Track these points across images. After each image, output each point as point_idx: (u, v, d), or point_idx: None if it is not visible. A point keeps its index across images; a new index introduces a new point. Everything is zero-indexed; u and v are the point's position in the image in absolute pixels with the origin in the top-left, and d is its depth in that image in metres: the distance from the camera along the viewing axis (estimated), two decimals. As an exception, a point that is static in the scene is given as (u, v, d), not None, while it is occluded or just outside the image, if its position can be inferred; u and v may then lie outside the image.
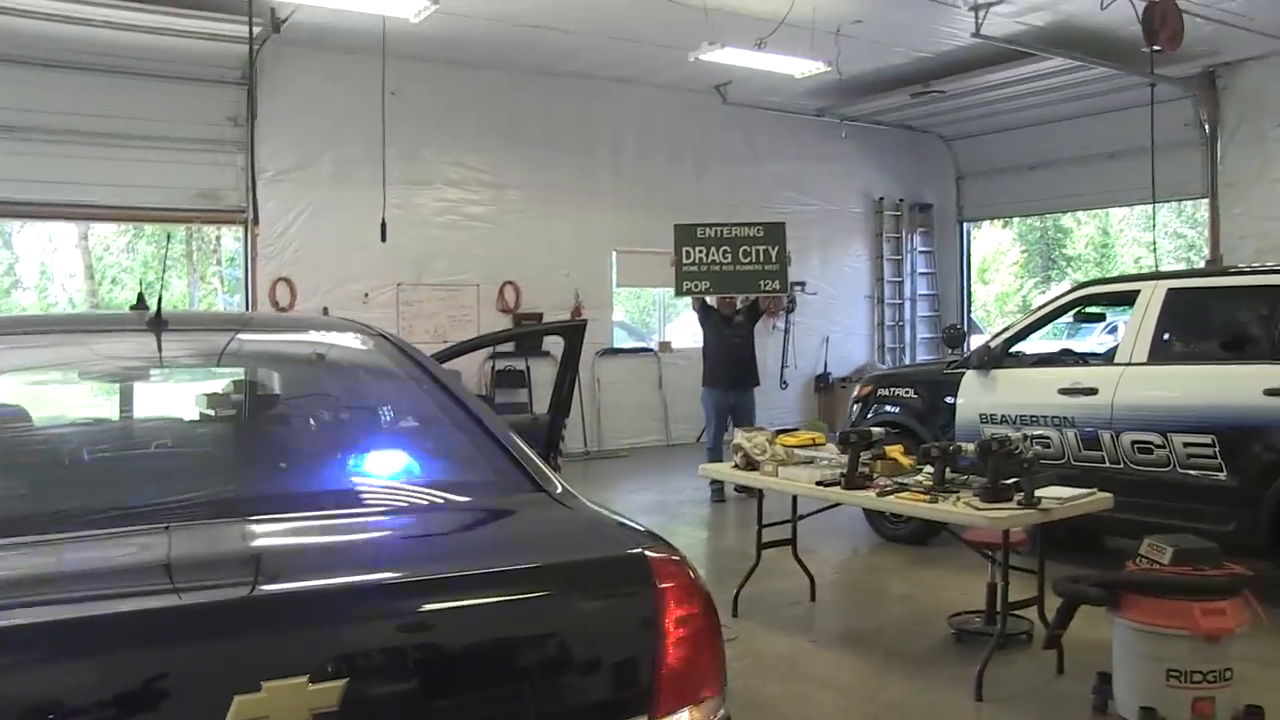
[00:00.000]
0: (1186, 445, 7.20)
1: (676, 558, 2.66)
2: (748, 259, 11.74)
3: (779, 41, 11.97)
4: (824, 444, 7.24)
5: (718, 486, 11.33)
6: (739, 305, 12.01)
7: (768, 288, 11.89)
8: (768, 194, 17.10)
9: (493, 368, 14.55)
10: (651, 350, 16.65)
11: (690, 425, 15.82)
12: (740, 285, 11.76)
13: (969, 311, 19.91)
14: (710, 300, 12.03)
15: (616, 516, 2.95)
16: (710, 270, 11.72)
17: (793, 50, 12.32)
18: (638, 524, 2.87)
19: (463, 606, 2.44)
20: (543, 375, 14.06)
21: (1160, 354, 7.57)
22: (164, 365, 3.82)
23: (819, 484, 6.42)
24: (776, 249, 11.79)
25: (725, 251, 11.74)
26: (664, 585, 2.57)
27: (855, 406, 9.72)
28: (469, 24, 12.39)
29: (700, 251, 11.75)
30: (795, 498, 7.17)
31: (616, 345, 16.37)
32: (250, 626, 2.24)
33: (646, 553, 2.63)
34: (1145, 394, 7.49)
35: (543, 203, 15.09)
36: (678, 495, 11.93)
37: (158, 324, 3.54)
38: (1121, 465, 7.54)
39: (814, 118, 16.99)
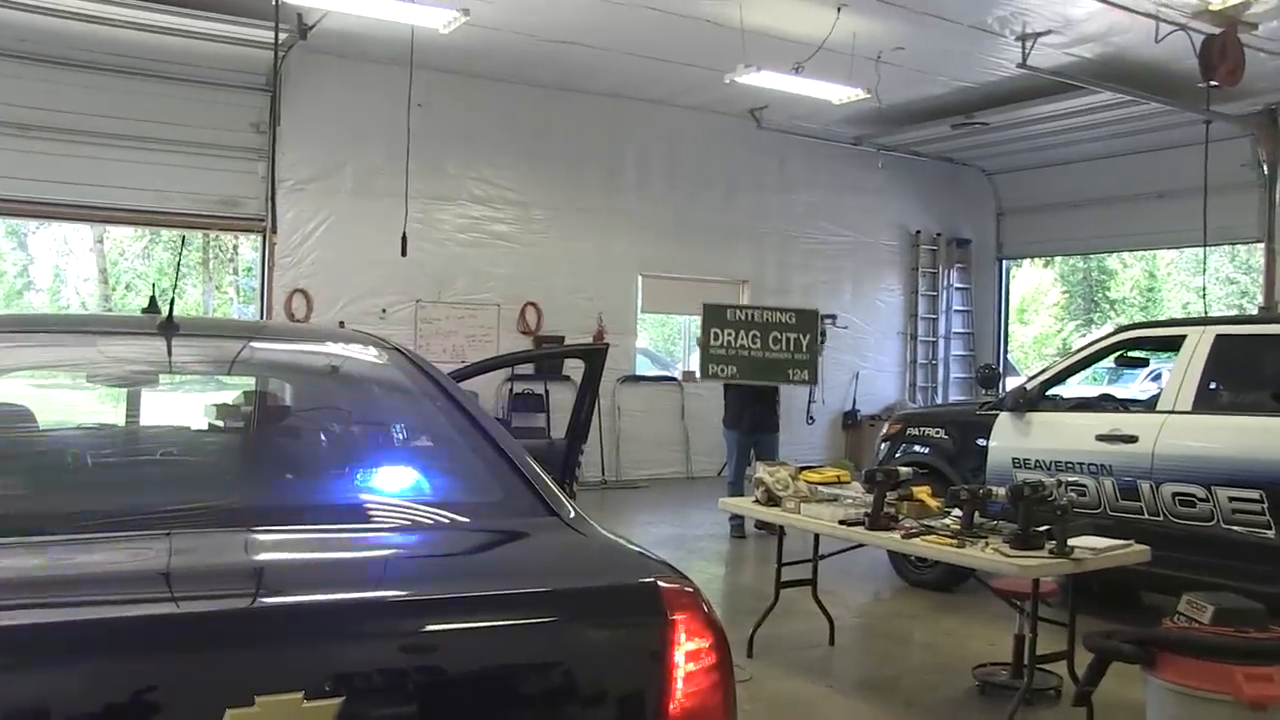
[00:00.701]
0: (1232, 500, 7.12)
1: (690, 589, 2.63)
2: (778, 345, 11.73)
3: (817, 66, 12.01)
4: (849, 482, 7.22)
5: (738, 522, 11.31)
6: None
7: (796, 378, 11.91)
8: (800, 223, 17.14)
9: (510, 390, 14.58)
10: (675, 379, 16.66)
11: (712, 458, 15.82)
12: (768, 373, 11.75)
13: (1005, 352, 19.86)
14: None
15: (629, 544, 2.93)
16: (738, 355, 11.72)
17: (831, 76, 12.36)
18: (651, 553, 2.86)
19: (465, 629, 2.43)
20: (562, 400, 14.08)
21: (1206, 403, 7.51)
22: (174, 371, 3.84)
23: (842, 523, 6.39)
24: (808, 337, 11.79)
25: (755, 336, 11.72)
26: (676, 617, 2.54)
27: (883, 445, 9.69)
28: (498, 37, 12.49)
29: (729, 334, 11.73)
30: (817, 536, 7.13)
31: (639, 373, 16.41)
32: (246, 639, 2.24)
33: (659, 582, 2.61)
34: (1189, 444, 7.43)
35: (567, 223, 15.16)
36: (696, 530, 11.90)
37: (169, 328, 3.56)
38: (1161, 517, 7.47)
39: (850, 146, 17.03)
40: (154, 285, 23.38)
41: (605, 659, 2.54)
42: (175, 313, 3.61)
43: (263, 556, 2.75)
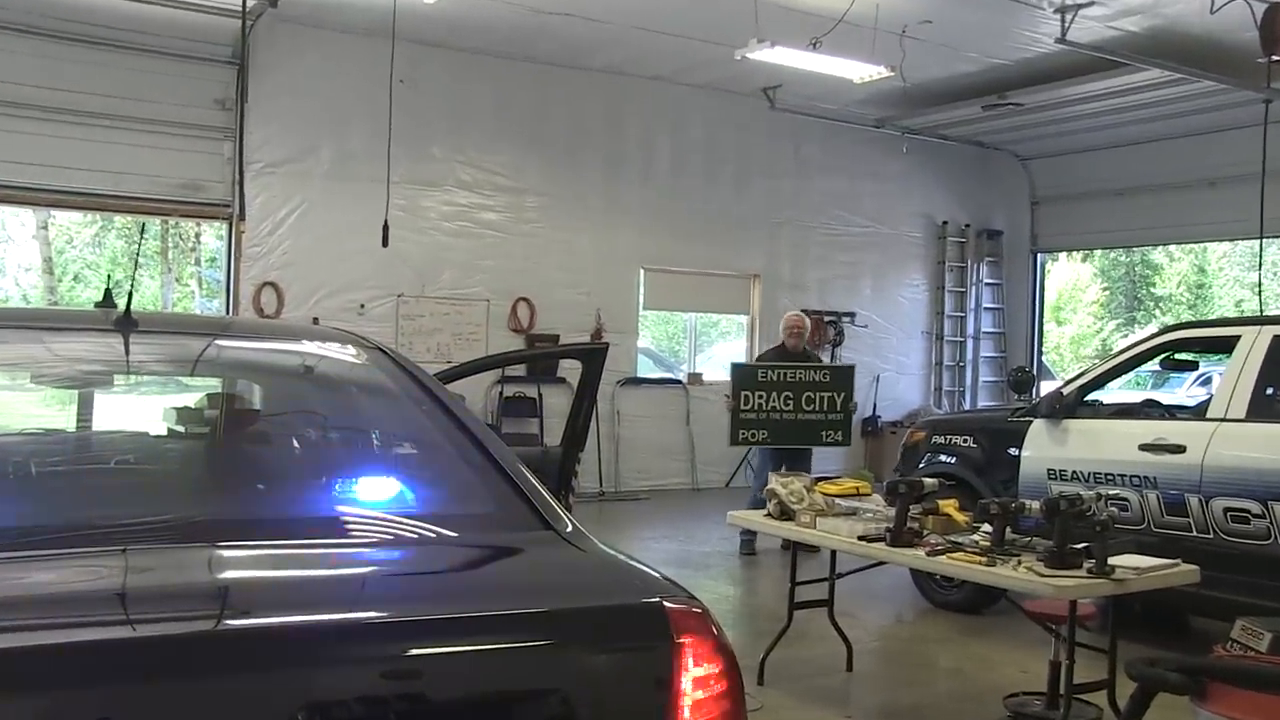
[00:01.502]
0: (1289, 516, 7.12)
1: (699, 610, 2.64)
2: (810, 406, 11.73)
3: (837, 42, 11.98)
4: (869, 494, 7.21)
5: (749, 537, 11.32)
6: (808, 341, 12.18)
7: (829, 439, 11.92)
8: (816, 212, 17.16)
9: (501, 393, 14.58)
10: (679, 382, 16.67)
11: (719, 468, 15.84)
12: (800, 436, 11.75)
13: (1039, 354, 19.86)
14: (783, 337, 12.18)
15: (632, 561, 2.94)
16: (769, 419, 11.72)
17: (852, 52, 12.34)
18: (656, 570, 2.86)
19: (453, 653, 2.43)
20: (556, 404, 14.08)
21: (1262, 410, 7.49)
22: (131, 371, 3.82)
23: (861, 539, 6.39)
24: (843, 396, 11.80)
25: (787, 399, 11.70)
26: (682, 640, 2.54)
27: (906, 454, 9.69)
28: (488, 8, 12.49)
29: (760, 397, 11.68)
30: (834, 553, 7.14)
31: (640, 375, 16.42)
32: (211, 666, 2.22)
33: (664, 603, 2.61)
34: (1242, 454, 7.42)
35: (564, 212, 15.18)
36: (703, 546, 11.90)
37: (126, 324, 3.51)
38: (1211, 535, 7.46)
39: (872, 129, 17.03)
40: (108, 276, 23.32)
41: (606, 685, 2.54)
42: (133, 307, 3.57)
43: (229, 575, 2.74)
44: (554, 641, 2.53)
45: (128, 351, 3.60)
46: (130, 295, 3.60)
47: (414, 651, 2.40)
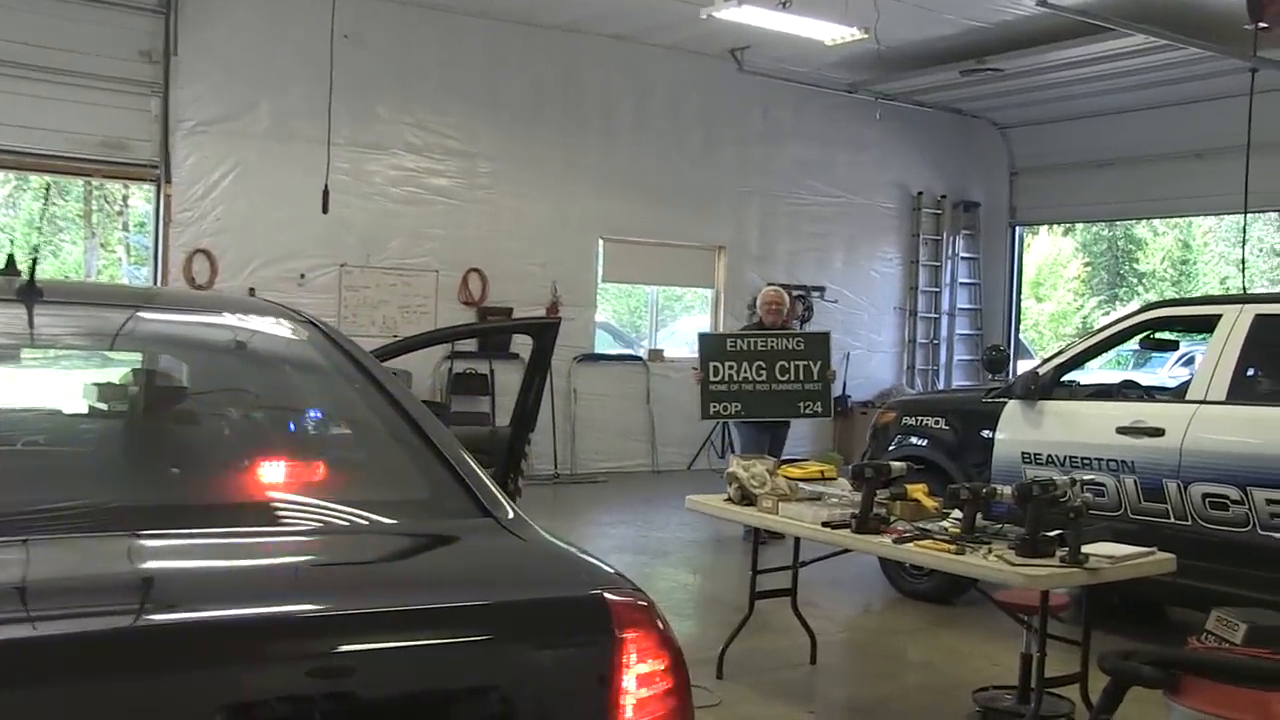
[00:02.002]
0: (1270, 502, 7.16)
1: (643, 602, 2.63)
2: (785, 376, 11.69)
3: (807, 1, 11.96)
4: (835, 478, 7.22)
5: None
6: (785, 318, 12.22)
7: (808, 410, 11.91)
8: (785, 181, 17.17)
9: (450, 370, 14.54)
10: (640, 359, 16.67)
11: (681, 449, 15.85)
12: (776, 408, 11.73)
13: (1017, 331, 19.96)
14: (757, 312, 12.12)
15: (575, 550, 2.93)
16: (742, 391, 11.68)
17: (823, 12, 12.32)
18: (600, 561, 2.85)
19: (382, 650, 2.41)
20: (509, 381, 14.03)
21: (1243, 392, 7.55)
22: (37, 344, 3.76)
23: (825, 525, 6.39)
24: (819, 364, 11.77)
25: (759, 368, 11.66)
26: (626, 635, 2.54)
27: (875, 436, 9.72)
28: (440, -40, 12.39)
29: (730, 368, 11.65)
30: (798, 541, 7.14)
31: (598, 351, 16.38)
32: (123, 665, 2.19)
33: (606, 595, 2.61)
34: (1222, 438, 7.47)
35: (519, 178, 15.10)
36: (662, 531, 11.92)
37: (30, 294, 3.44)
38: (1189, 522, 7.51)
39: (845, 94, 17.02)
40: (10, 241, 22.94)
41: (544, 683, 2.54)
42: (40, 275, 3.49)
43: (147, 565, 2.70)
44: (488, 637, 2.52)
45: (31, 325, 3.52)
46: (34, 262, 3.52)
47: (341, 647, 2.38)
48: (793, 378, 11.69)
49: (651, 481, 15.40)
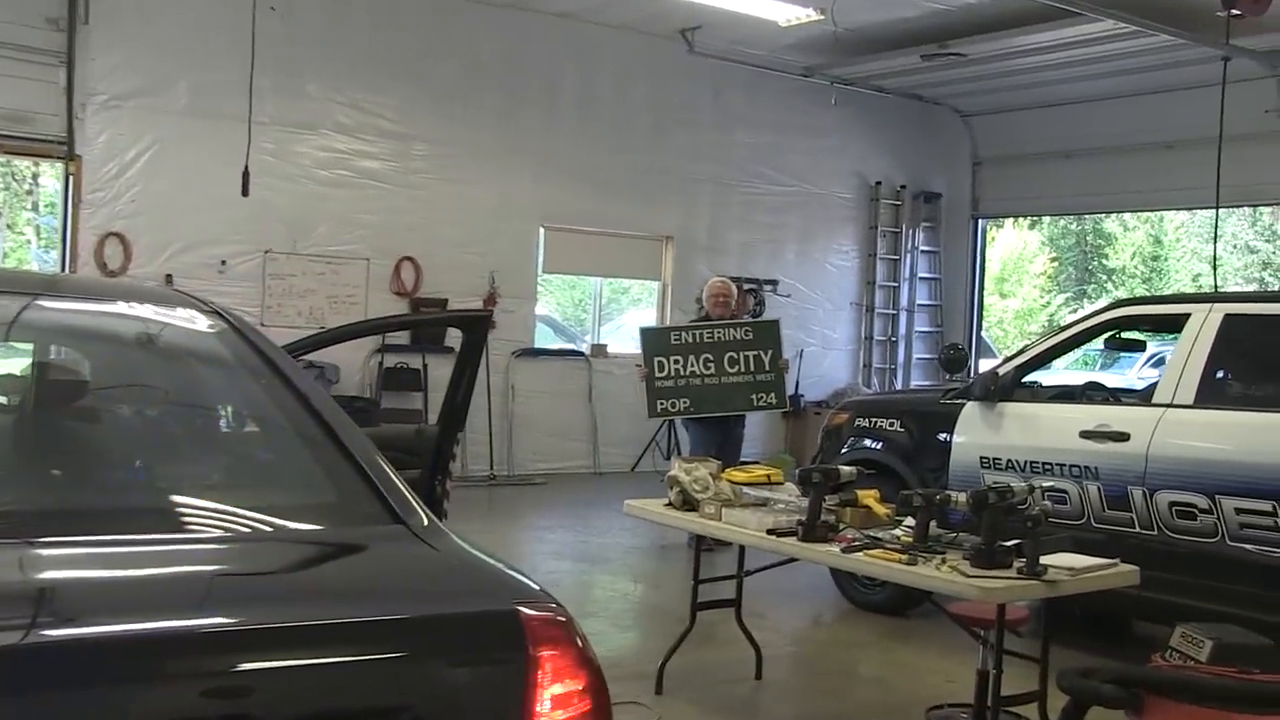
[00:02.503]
0: (1240, 512, 7.18)
1: (561, 618, 2.62)
2: (735, 368, 11.66)
3: (761, -23, 11.95)
4: (781, 483, 7.19)
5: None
6: (734, 311, 12.24)
7: (762, 403, 11.89)
8: (737, 169, 17.18)
9: (380, 364, 14.44)
10: (582, 354, 16.64)
11: (625, 450, 15.82)
12: (728, 401, 11.68)
13: (979, 329, 20.08)
14: (704, 305, 12.13)
15: (490, 561, 2.90)
16: (690, 386, 11.63)
17: (778, -10, 12.31)
18: (518, 572, 2.83)
19: (280, 669, 2.39)
20: (445, 377, 13.70)
21: (1211, 395, 7.57)
22: None
23: (771, 532, 6.35)
24: (770, 354, 11.75)
25: (707, 361, 11.62)
26: (541, 653, 2.52)
27: (827, 438, 9.71)
28: (373, -71, 12.28)
29: (676, 362, 11.60)
30: (743, 549, 7.11)
31: (539, 345, 16.35)
32: (6, 683, 2.15)
33: (520, 609, 2.59)
34: (1190, 444, 7.48)
35: (455, 162, 15.02)
36: (602, 536, 11.89)
37: None
38: (1155, 531, 7.53)
39: (800, 79, 17.05)
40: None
41: (453, 704, 2.52)
42: None
43: (35, 576, 2.65)
44: (393, 654, 2.49)
45: None
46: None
47: (233, 666, 2.35)
48: (743, 369, 11.67)
49: (593, 484, 15.37)
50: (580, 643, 2.60)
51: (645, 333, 12.22)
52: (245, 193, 11.98)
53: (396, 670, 2.48)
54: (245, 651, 2.37)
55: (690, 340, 11.69)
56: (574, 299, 25.88)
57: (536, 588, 2.73)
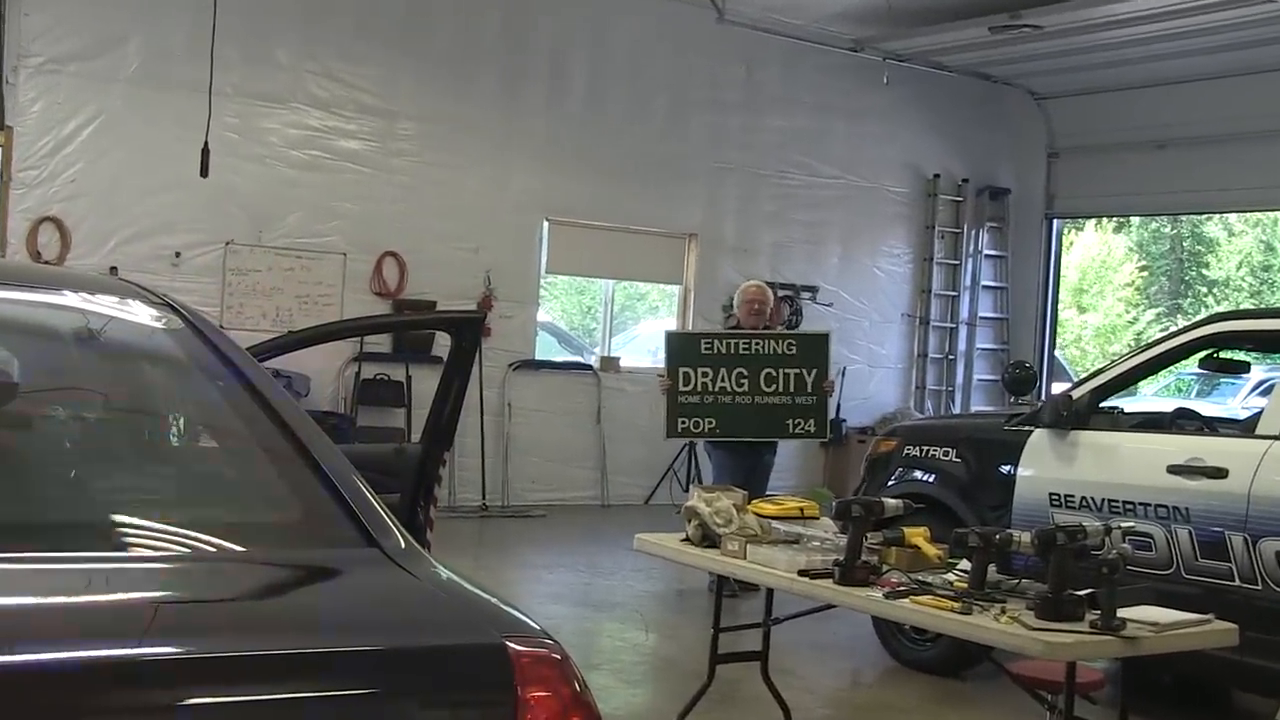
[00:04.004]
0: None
1: (556, 655, 2.64)
2: (772, 387, 11.56)
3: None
4: (818, 518, 7.19)
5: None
6: (770, 321, 12.19)
7: (799, 430, 11.85)
8: (772, 157, 17.23)
9: (357, 375, 14.48)
10: (590, 368, 16.68)
11: (638, 479, 15.84)
12: (760, 425, 11.62)
13: (1052, 347, 20.00)
14: (735, 313, 12.09)
15: (475, 590, 2.93)
16: (719, 403, 11.57)
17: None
18: (507, 604, 2.86)
19: (235, 704, 2.42)
20: (433, 391, 13.94)
21: (1328, 427, 7.56)
22: None
23: (803, 574, 6.35)
24: (815, 373, 11.68)
25: (740, 376, 11.52)
26: (530, 694, 2.55)
27: (871, 468, 9.71)
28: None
29: (704, 375, 11.54)
30: (771, 593, 7.10)
31: (540, 357, 16.39)
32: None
33: (509, 644, 2.61)
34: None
35: (447, 144, 15.09)
36: (610, 578, 11.91)
37: None
38: (1259, 586, 7.45)
39: (848, 53, 17.10)
40: None
41: None
42: None
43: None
44: (358, 691, 2.52)
45: None
46: None
47: (168, 700, 2.39)
48: (781, 389, 11.58)
49: (600, 517, 15.38)
50: (578, 685, 2.62)
51: (672, 338, 12.21)
52: (204, 174, 12.00)
53: (364, 710, 2.51)
54: (189, 685, 2.41)
55: (723, 350, 11.63)
56: (581, 305, 25.93)
57: (528, 621, 2.75)
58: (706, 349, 11.71)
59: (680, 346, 11.95)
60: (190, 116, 12.60)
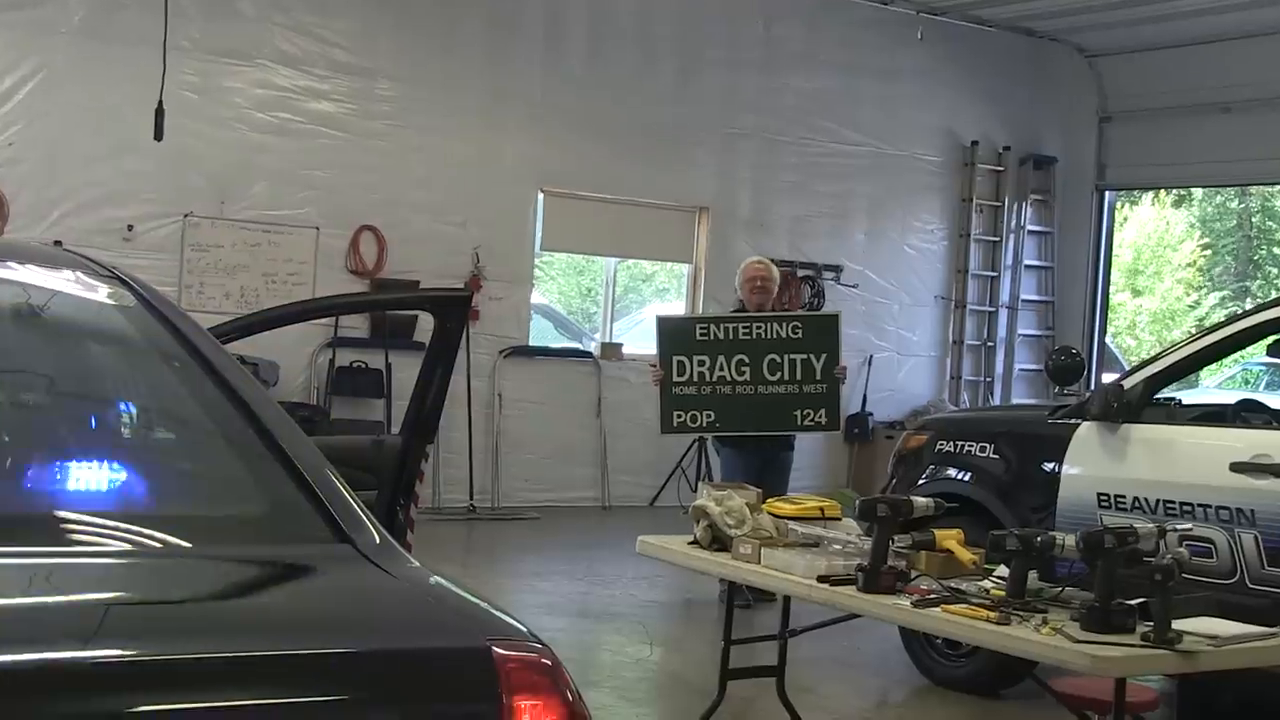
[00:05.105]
0: None
1: (546, 660, 2.65)
2: (776, 375, 11.55)
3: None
4: (839, 518, 7.21)
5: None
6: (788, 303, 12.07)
7: (809, 422, 11.79)
8: (792, 122, 17.24)
9: (331, 362, 14.52)
10: (589, 355, 16.73)
11: (641, 478, 15.87)
12: (764, 418, 11.59)
13: (1103, 334, 19.98)
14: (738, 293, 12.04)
15: (457, 590, 2.94)
16: (717, 394, 11.57)
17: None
18: (492, 605, 2.87)
19: (187, 712, 2.43)
20: (414, 380, 13.97)
21: None
22: None
23: (822, 580, 6.38)
24: (824, 358, 11.67)
25: (741, 364, 11.52)
26: (517, 702, 2.55)
27: (900, 465, 9.73)
28: None
29: (700, 365, 11.56)
30: (788, 601, 7.12)
31: (534, 343, 16.44)
32: None
33: (494, 648, 2.62)
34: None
35: (431, 106, 15.13)
36: (612, 586, 11.92)
37: None
38: (1333, 596, 7.52)
39: (878, 7, 17.17)
40: None
41: None
42: None
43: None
44: (325, 698, 2.53)
45: None
46: None
47: (142, 706, 2.41)
48: (786, 376, 11.56)
49: (601, 520, 15.43)
50: (570, 694, 2.63)
51: (664, 324, 12.18)
52: (158, 137, 12.00)
53: (333, 718, 2.53)
54: (143, 691, 2.42)
55: (721, 336, 11.62)
56: (580, 286, 25.95)
57: (515, 623, 2.76)
58: (702, 335, 11.71)
59: (673, 333, 11.96)
60: (143, 74, 12.60)
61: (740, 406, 11.55)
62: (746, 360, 11.48)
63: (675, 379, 11.52)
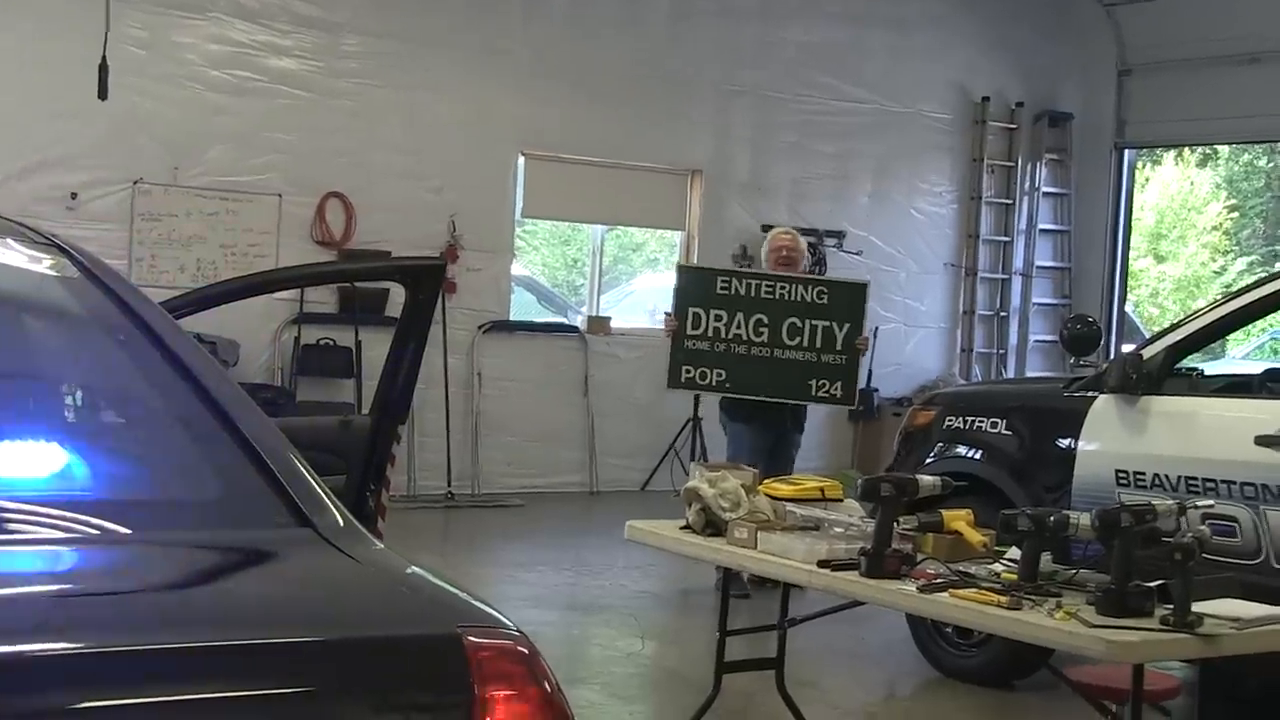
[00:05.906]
0: None
1: (522, 649, 2.66)
2: (795, 340, 11.59)
3: None
4: (841, 499, 7.22)
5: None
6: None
7: (823, 394, 11.84)
8: (791, 77, 17.24)
9: (297, 340, 14.52)
10: (575, 330, 16.74)
11: (631, 461, 15.89)
12: (777, 384, 11.63)
13: (1122, 302, 19.99)
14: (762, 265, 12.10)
15: (424, 574, 2.95)
16: (731, 353, 11.64)
17: None
18: (458, 589, 2.88)
19: (137, 707, 2.43)
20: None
21: None
22: None
23: (823, 565, 6.38)
24: (847, 328, 11.72)
25: (759, 324, 11.60)
26: (491, 693, 2.56)
27: (907, 442, 9.75)
28: None
29: (717, 319, 11.63)
30: (787, 589, 7.13)
31: (516, 318, 16.45)
32: None
33: (465, 635, 2.62)
34: None
35: (402, 63, 15.11)
36: (601, 577, 11.97)
37: None
38: (1364, 578, 7.55)
39: (882, -50, 17.11)
40: None
41: None
42: None
43: None
44: (289, 690, 2.52)
45: None
46: None
47: (85, 703, 2.40)
48: (805, 343, 11.59)
49: (589, 507, 15.50)
50: (548, 685, 2.64)
51: (683, 272, 12.22)
52: (102, 96, 11.92)
53: (294, 712, 2.52)
54: (90, 686, 2.42)
55: (742, 292, 11.69)
56: (565, 256, 25.94)
57: (488, 609, 2.76)
58: (723, 288, 11.77)
59: (692, 283, 12.04)
60: (84, 26, 12.51)
61: (753, 369, 11.62)
62: (765, 321, 11.54)
63: (689, 331, 11.59)
